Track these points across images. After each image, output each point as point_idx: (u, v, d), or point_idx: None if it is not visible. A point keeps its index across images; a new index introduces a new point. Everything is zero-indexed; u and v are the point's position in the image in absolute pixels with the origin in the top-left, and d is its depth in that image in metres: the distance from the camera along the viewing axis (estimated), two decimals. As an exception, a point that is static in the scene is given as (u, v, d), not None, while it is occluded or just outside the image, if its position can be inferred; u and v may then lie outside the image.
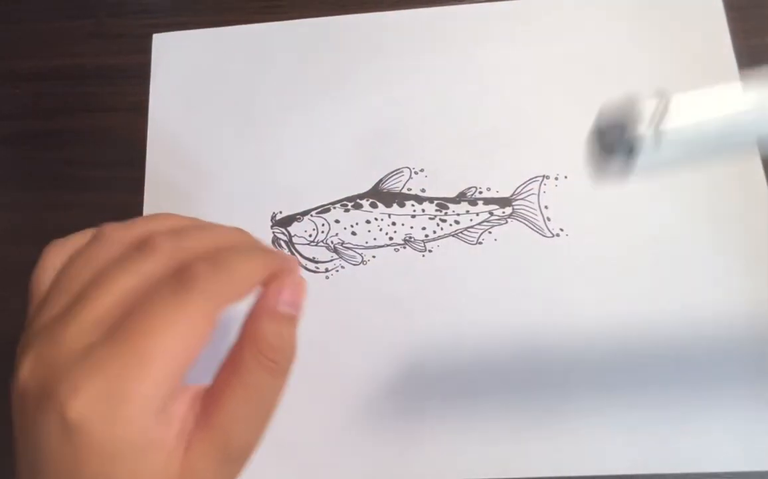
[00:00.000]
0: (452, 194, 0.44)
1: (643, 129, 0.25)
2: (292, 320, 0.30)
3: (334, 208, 0.45)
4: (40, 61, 0.51)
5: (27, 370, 0.26)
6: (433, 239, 0.44)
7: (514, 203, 0.44)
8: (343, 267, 0.44)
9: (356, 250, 0.44)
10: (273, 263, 0.31)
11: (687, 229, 0.42)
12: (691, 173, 0.41)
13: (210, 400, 0.27)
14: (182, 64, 0.50)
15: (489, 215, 0.44)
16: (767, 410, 0.39)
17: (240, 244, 0.32)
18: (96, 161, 0.49)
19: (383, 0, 0.49)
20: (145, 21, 0.51)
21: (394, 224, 0.44)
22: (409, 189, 0.45)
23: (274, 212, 0.45)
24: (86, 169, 0.48)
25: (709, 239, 0.41)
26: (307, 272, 0.44)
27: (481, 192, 0.44)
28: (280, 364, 0.29)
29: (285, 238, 0.45)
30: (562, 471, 0.40)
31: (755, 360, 0.40)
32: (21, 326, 0.45)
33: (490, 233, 0.44)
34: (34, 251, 0.46)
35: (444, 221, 0.44)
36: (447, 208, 0.44)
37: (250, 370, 0.28)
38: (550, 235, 0.43)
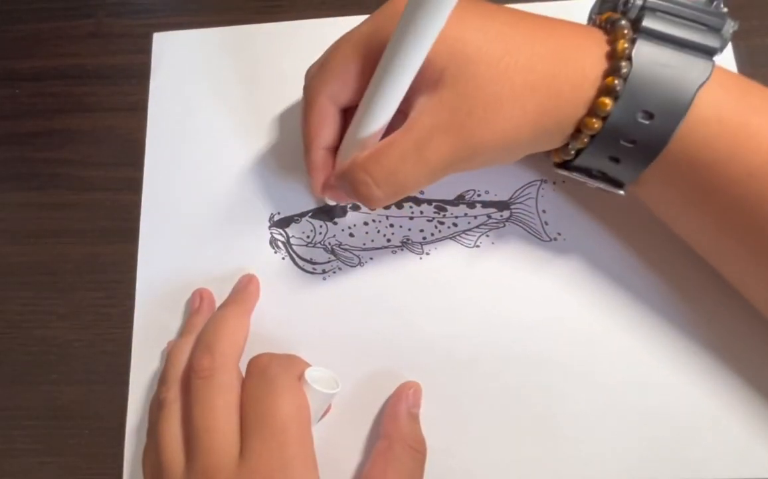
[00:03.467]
0: (450, 197, 0.44)
1: None
2: (417, 417, 0.40)
3: (332, 209, 0.45)
4: (40, 61, 0.51)
5: None
6: (431, 242, 0.44)
7: (512, 207, 0.44)
8: (340, 269, 0.44)
9: (353, 252, 0.44)
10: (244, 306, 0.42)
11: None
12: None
13: None
14: (182, 63, 0.49)
15: (487, 218, 0.44)
16: (766, 416, 0.39)
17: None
18: (96, 161, 0.49)
19: (383, 1, 0.49)
20: (145, 21, 0.51)
21: (391, 225, 0.44)
22: (407, 191, 0.45)
23: (272, 213, 0.45)
24: (86, 169, 0.49)
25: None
26: (304, 273, 0.44)
27: (479, 195, 0.44)
28: (421, 452, 0.39)
29: (282, 239, 0.45)
30: (558, 477, 0.40)
31: (755, 364, 0.40)
32: (20, 326, 0.45)
33: (487, 236, 0.44)
34: (34, 251, 0.47)
35: (442, 223, 0.44)
36: (445, 210, 0.44)
37: (401, 460, 0.38)
38: (548, 239, 0.43)
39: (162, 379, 0.39)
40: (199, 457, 0.34)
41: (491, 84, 0.32)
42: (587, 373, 0.41)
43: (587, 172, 0.37)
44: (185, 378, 0.37)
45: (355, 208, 0.45)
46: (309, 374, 0.36)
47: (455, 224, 0.44)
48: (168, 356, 0.40)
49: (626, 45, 0.32)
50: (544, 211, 0.44)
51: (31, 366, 0.46)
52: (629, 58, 0.31)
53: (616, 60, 0.32)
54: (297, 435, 0.34)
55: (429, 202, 0.44)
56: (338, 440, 0.41)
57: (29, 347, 0.46)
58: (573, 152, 0.36)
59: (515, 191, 0.44)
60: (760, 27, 0.45)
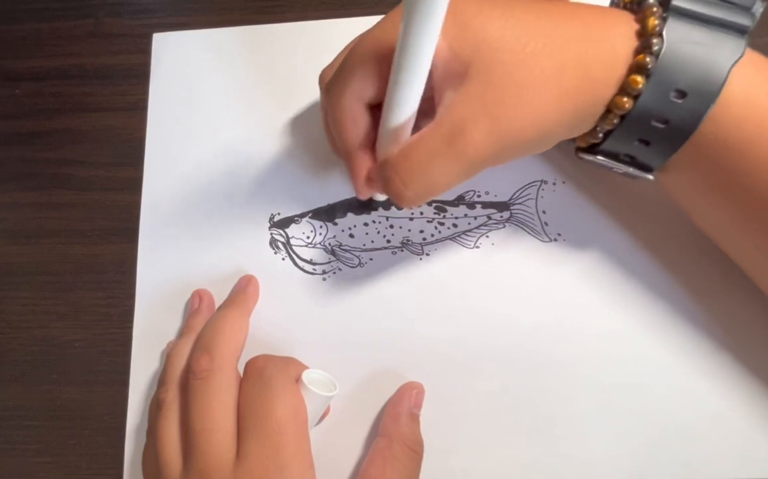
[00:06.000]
0: (450, 197, 0.44)
1: None
2: (418, 418, 0.41)
3: (332, 210, 0.45)
4: (40, 61, 0.51)
5: None
6: (431, 242, 0.44)
7: (512, 208, 0.44)
8: (340, 269, 0.44)
9: (354, 252, 0.44)
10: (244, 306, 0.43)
11: (686, 233, 0.42)
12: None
13: None
14: (182, 64, 0.49)
15: (487, 219, 0.44)
16: (765, 416, 0.39)
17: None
18: (96, 161, 0.49)
19: (383, 1, 0.49)
20: (145, 21, 0.51)
21: (392, 226, 0.44)
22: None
23: (272, 214, 0.45)
24: (86, 169, 0.49)
25: (709, 243, 0.41)
26: (304, 274, 0.44)
27: (479, 196, 0.44)
28: (418, 453, 0.40)
29: (283, 239, 0.45)
30: (558, 478, 0.40)
31: (755, 364, 0.40)
32: (20, 326, 0.45)
33: (487, 237, 0.44)
34: (34, 251, 0.47)
35: (442, 224, 0.44)
36: (445, 211, 0.44)
37: (399, 459, 0.38)
38: (548, 239, 0.43)
39: (161, 380, 0.39)
40: (197, 458, 0.34)
41: (519, 70, 0.31)
42: (587, 373, 0.41)
43: (614, 156, 0.36)
44: (184, 379, 0.38)
45: (355, 209, 0.45)
46: (306, 376, 0.36)
47: (455, 225, 0.44)
48: (167, 356, 0.40)
49: (657, 22, 0.31)
50: (544, 212, 0.43)
51: (31, 366, 0.46)
52: (660, 35, 0.31)
53: (647, 37, 0.31)
54: (294, 437, 0.34)
55: (429, 203, 0.44)
56: (337, 441, 0.41)
57: (29, 347, 0.46)
58: (601, 135, 0.35)
59: (515, 192, 0.44)
60: (760, 27, 0.45)
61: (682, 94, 0.31)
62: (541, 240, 0.43)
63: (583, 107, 0.33)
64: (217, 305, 0.44)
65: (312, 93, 0.47)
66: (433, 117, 0.33)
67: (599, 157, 0.36)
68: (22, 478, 0.44)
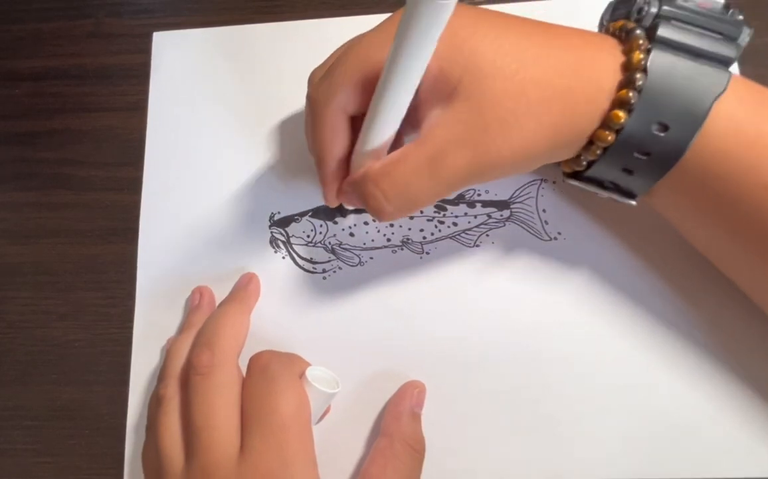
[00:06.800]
0: (450, 196, 0.44)
1: None
2: (419, 417, 0.41)
3: (332, 209, 0.45)
4: (40, 61, 0.51)
5: None
6: (431, 241, 0.44)
7: (512, 206, 0.44)
8: (340, 268, 0.44)
9: (354, 251, 0.44)
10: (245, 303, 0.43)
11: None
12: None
13: None
14: (182, 63, 0.50)
15: (487, 218, 0.44)
16: (765, 416, 0.39)
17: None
18: (96, 161, 0.49)
19: (383, 1, 0.49)
20: (145, 21, 0.51)
21: (392, 225, 0.44)
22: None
23: (272, 213, 0.45)
24: (86, 169, 0.49)
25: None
26: (304, 272, 0.44)
27: (479, 195, 0.44)
28: (420, 452, 0.39)
29: (283, 238, 0.45)
30: (558, 477, 0.40)
31: (754, 364, 0.40)
32: (20, 326, 0.45)
33: (487, 235, 0.44)
34: (33, 251, 0.47)
35: (442, 223, 0.44)
36: (445, 210, 0.44)
37: (401, 458, 0.38)
38: (548, 238, 0.43)
39: (161, 376, 0.39)
40: (199, 454, 0.34)
41: (507, 99, 0.32)
42: (587, 373, 0.41)
43: (599, 183, 0.37)
44: (184, 375, 0.37)
45: (355, 208, 0.45)
46: (310, 373, 0.36)
47: (455, 224, 0.44)
48: (167, 352, 0.40)
49: (641, 56, 0.31)
50: (544, 210, 0.44)
51: (31, 366, 0.46)
52: (644, 70, 0.31)
53: (631, 72, 0.31)
54: (297, 433, 0.34)
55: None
56: (338, 439, 0.41)
57: (29, 347, 0.46)
58: (585, 163, 0.35)
59: (515, 191, 0.44)
60: (760, 27, 0.45)
61: (664, 127, 0.32)
62: (541, 239, 0.43)
63: (565, 139, 0.33)
64: (217, 304, 0.44)
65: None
66: (410, 125, 0.34)
67: (582, 184, 0.37)
68: (22, 478, 0.44)
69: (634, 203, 0.36)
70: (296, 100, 0.47)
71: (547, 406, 0.41)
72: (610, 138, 0.32)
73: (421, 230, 0.44)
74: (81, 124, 0.50)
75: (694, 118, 0.31)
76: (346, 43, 0.37)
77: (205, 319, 0.40)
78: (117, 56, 0.51)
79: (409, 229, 0.44)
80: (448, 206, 0.44)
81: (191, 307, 0.44)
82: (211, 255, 0.45)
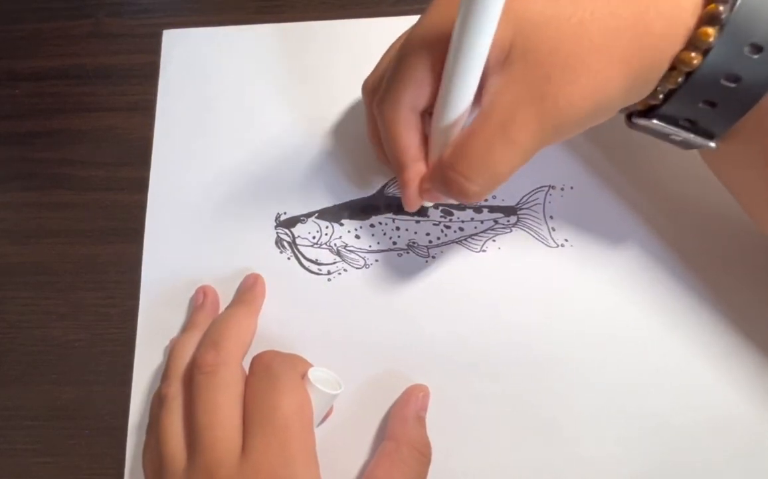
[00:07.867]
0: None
1: None
2: (424, 421, 0.41)
3: (339, 211, 0.45)
4: (40, 61, 0.51)
5: None
6: (437, 246, 0.44)
7: (519, 212, 0.44)
8: (345, 270, 0.44)
9: (359, 253, 0.44)
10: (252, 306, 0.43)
11: (693, 239, 0.43)
12: (699, 188, 0.42)
13: None
14: (192, 61, 0.49)
15: (494, 223, 0.44)
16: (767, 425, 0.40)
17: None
18: (96, 161, 0.48)
19: (383, 0, 0.50)
20: (145, 21, 0.51)
21: (398, 228, 0.44)
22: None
23: (278, 213, 0.45)
24: (86, 169, 0.48)
25: (715, 249, 0.41)
26: (309, 274, 0.44)
27: (486, 199, 0.44)
28: (426, 456, 0.39)
29: (288, 239, 0.45)
30: None
31: (759, 369, 0.41)
32: (20, 325, 0.45)
33: (494, 241, 0.44)
34: (34, 251, 0.47)
35: (448, 227, 0.44)
36: (452, 214, 0.44)
37: (407, 462, 0.38)
38: (555, 245, 0.43)
39: (164, 375, 0.39)
40: (201, 453, 0.34)
41: (565, 43, 0.29)
42: (591, 378, 0.41)
43: (673, 121, 0.33)
44: (187, 374, 0.37)
45: (362, 210, 0.45)
46: (312, 373, 0.37)
47: (461, 229, 0.44)
48: (170, 352, 0.40)
49: None
50: (551, 217, 0.44)
51: (31, 366, 0.45)
52: None
53: None
54: (299, 433, 0.34)
55: (435, 205, 0.45)
56: (341, 440, 0.41)
57: (29, 347, 0.46)
58: (662, 96, 0.32)
59: (522, 197, 0.44)
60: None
61: (757, 48, 0.28)
62: (548, 246, 0.43)
63: (643, 70, 0.30)
64: (222, 304, 0.44)
65: (321, 92, 0.48)
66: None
67: (655, 121, 0.33)
68: (22, 478, 0.44)
69: (713, 145, 0.33)
70: (305, 100, 0.48)
71: (550, 410, 0.41)
72: (696, 61, 0.29)
73: (427, 234, 0.44)
74: (81, 124, 0.49)
75: None
76: (394, 45, 0.37)
77: (209, 319, 0.41)
78: (117, 56, 0.51)
79: (415, 233, 0.44)
80: (454, 211, 0.44)
81: (195, 306, 0.43)
82: (217, 255, 0.45)
